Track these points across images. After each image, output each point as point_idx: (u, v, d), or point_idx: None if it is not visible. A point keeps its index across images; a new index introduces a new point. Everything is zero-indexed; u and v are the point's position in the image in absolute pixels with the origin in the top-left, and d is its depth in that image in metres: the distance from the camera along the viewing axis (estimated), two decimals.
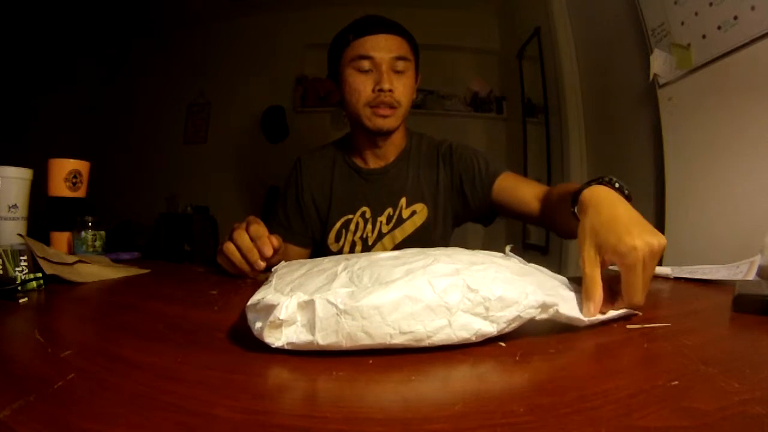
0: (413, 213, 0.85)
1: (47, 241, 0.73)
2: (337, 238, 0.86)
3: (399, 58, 0.79)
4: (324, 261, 0.42)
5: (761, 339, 0.35)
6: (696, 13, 1.06)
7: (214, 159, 2.78)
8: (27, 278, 0.47)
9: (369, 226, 0.85)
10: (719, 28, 0.99)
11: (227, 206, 2.65)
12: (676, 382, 0.24)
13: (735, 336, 0.37)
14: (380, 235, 0.85)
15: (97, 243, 0.72)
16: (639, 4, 1.26)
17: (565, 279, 0.42)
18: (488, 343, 0.31)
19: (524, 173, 2.25)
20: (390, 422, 0.20)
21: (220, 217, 2.49)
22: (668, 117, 1.20)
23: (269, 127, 2.74)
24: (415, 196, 0.86)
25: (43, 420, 0.19)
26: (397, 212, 0.85)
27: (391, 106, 0.80)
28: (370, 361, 0.28)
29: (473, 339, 0.30)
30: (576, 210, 0.48)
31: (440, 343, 0.30)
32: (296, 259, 0.80)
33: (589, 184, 0.48)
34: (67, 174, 0.74)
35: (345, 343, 0.29)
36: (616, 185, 0.48)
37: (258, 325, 0.30)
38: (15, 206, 0.68)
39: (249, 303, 0.32)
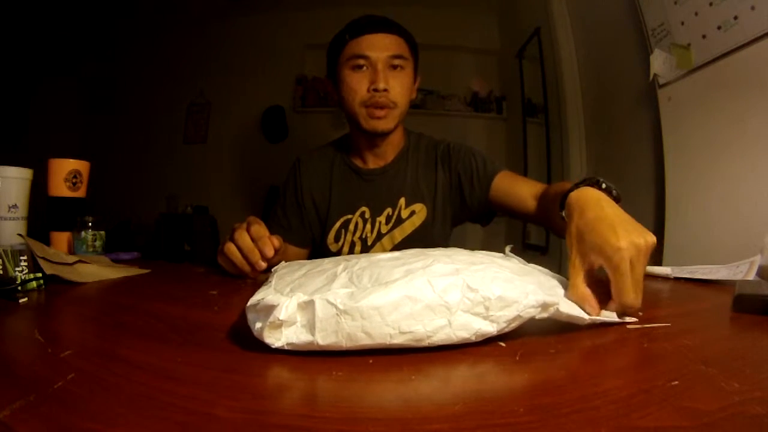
0: (412, 213, 0.85)
1: (47, 241, 0.73)
2: (337, 239, 0.87)
3: (395, 57, 0.79)
4: (324, 262, 0.42)
5: (761, 339, 0.35)
6: (696, 13, 1.06)
7: (214, 159, 2.78)
8: (27, 278, 0.47)
9: (368, 226, 0.86)
10: (719, 28, 0.99)
11: (227, 206, 2.65)
12: (676, 382, 0.24)
13: (735, 336, 0.37)
14: (379, 236, 0.85)
15: (97, 243, 0.72)
16: (639, 4, 1.26)
17: (564, 279, 0.42)
18: (488, 343, 0.31)
19: (524, 173, 2.25)
20: (390, 422, 0.20)
21: (220, 217, 2.49)
22: (668, 117, 1.20)
23: (269, 127, 2.74)
24: (414, 196, 0.86)
25: (43, 420, 0.19)
26: (396, 212, 0.85)
27: (386, 107, 0.79)
28: (370, 361, 0.28)
29: (473, 339, 0.30)
30: (564, 213, 0.47)
31: (440, 343, 0.30)
32: (295, 259, 0.79)
33: (577, 185, 0.48)
34: (67, 174, 0.74)
35: (345, 344, 0.29)
36: (603, 186, 0.47)
37: (258, 325, 0.30)
38: (15, 206, 0.68)
39: (249, 303, 0.32)
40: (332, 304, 0.29)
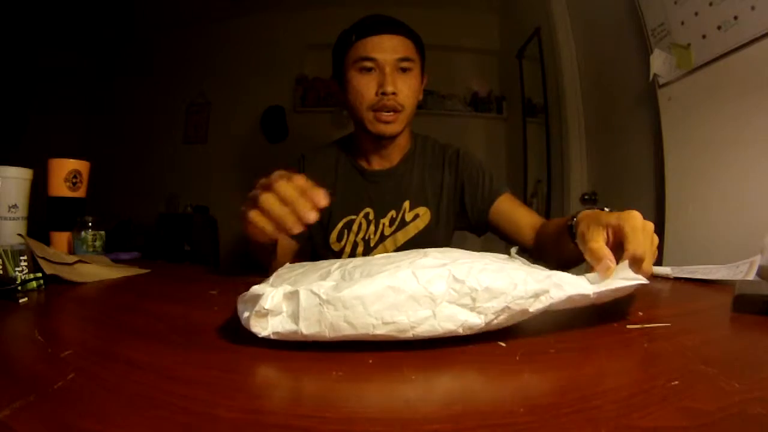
0: (416, 216, 0.85)
1: (47, 241, 0.73)
2: (339, 238, 0.86)
3: (403, 59, 0.78)
4: (323, 262, 0.42)
5: (761, 339, 0.35)
6: (696, 13, 1.06)
7: (214, 159, 2.78)
8: (27, 278, 0.47)
9: (371, 228, 0.85)
10: (719, 28, 0.99)
11: (227, 206, 2.65)
12: (676, 382, 0.24)
13: (735, 336, 0.37)
14: (382, 237, 0.85)
15: (97, 243, 0.72)
16: (639, 4, 1.26)
17: (566, 274, 0.42)
18: (488, 343, 0.31)
19: (524, 173, 2.25)
20: (390, 422, 0.20)
21: (220, 217, 2.49)
22: (668, 117, 1.20)
23: (269, 127, 2.74)
24: (419, 199, 0.86)
25: (43, 420, 0.19)
26: (400, 215, 0.85)
27: (395, 110, 0.78)
28: (370, 361, 0.28)
29: (460, 331, 0.29)
30: (574, 229, 0.50)
31: (425, 335, 0.29)
32: (288, 251, 0.79)
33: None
34: (67, 174, 0.74)
35: (328, 333, 0.29)
36: (606, 209, 0.50)
37: (246, 314, 0.31)
38: (15, 206, 0.68)
39: (240, 295, 0.32)
40: (316, 294, 0.29)
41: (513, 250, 0.47)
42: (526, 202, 2.23)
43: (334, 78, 0.87)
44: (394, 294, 0.29)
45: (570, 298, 0.32)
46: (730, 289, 0.48)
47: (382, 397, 0.23)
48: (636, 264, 0.38)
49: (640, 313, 0.40)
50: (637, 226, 0.40)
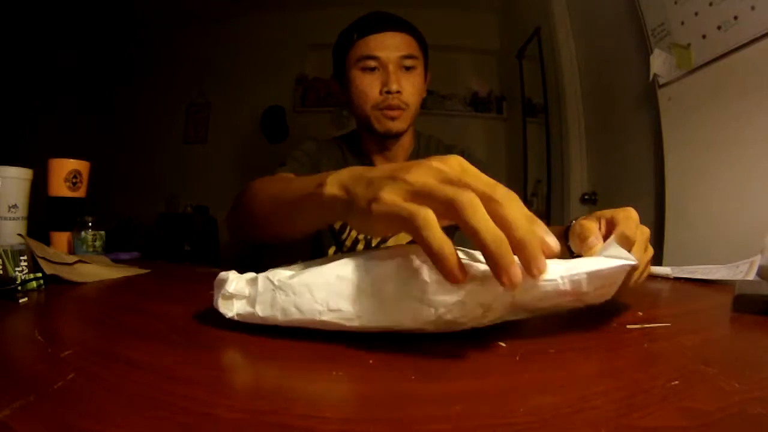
0: None
1: (47, 241, 0.73)
2: (340, 232, 0.85)
3: (407, 57, 0.77)
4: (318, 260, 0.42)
5: (761, 339, 0.35)
6: (696, 13, 1.06)
7: (214, 159, 2.78)
8: (27, 278, 0.47)
9: None
10: (719, 28, 0.99)
11: (227, 206, 2.65)
12: (676, 382, 0.24)
13: (735, 336, 0.37)
14: (384, 237, 0.85)
15: (97, 243, 0.72)
16: (639, 4, 1.26)
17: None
18: (488, 343, 0.31)
19: (524, 173, 2.26)
20: (390, 422, 0.20)
21: (220, 217, 2.49)
22: (668, 117, 1.20)
23: (269, 127, 2.74)
24: None
25: (43, 420, 0.19)
26: None
27: (399, 108, 0.77)
28: (371, 361, 0.28)
29: (410, 324, 0.29)
30: (569, 239, 0.49)
31: (371, 325, 0.29)
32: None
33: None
34: (67, 174, 0.74)
35: (280, 317, 0.31)
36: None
37: (216, 298, 0.34)
38: (15, 206, 0.68)
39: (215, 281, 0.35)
40: (270, 280, 0.31)
41: None
42: (526, 202, 2.22)
43: (335, 78, 0.86)
44: (341, 283, 0.30)
45: (541, 289, 0.28)
46: (730, 289, 0.48)
47: (382, 397, 0.23)
48: (624, 244, 0.36)
49: (640, 313, 0.40)
50: (631, 217, 0.39)
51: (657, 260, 1.22)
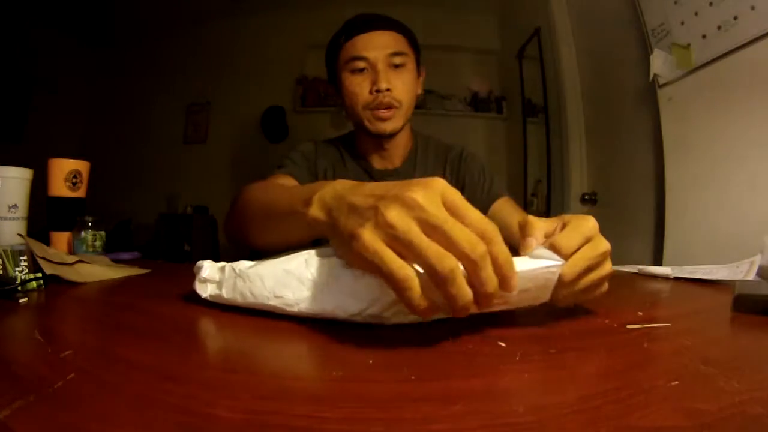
0: None
1: (47, 241, 0.73)
2: None
3: (395, 54, 0.77)
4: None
5: (761, 339, 0.35)
6: (696, 13, 1.06)
7: (214, 159, 2.79)
8: (27, 278, 0.46)
9: None
10: (719, 28, 0.99)
11: (227, 206, 2.65)
12: (676, 382, 0.24)
13: (735, 336, 0.37)
14: None
15: (97, 243, 0.72)
16: (639, 4, 1.26)
17: None
18: (488, 343, 0.31)
19: (524, 173, 2.26)
20: (390, 422, 0.20)
21: (220, 217, 2.48)
22: (668, 117, 1.20)
23: (269, 127, 2.74)
24: None
25: (43, 420, 0.19)
26: None
27: (392, 106, 0.77)
28: (370, 361, 0.28)
29: (338, 314, 0.33)
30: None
31: (307, 312, 0.34)
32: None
33: None
34: (67, 174, 0.74)
35: (239, 299, 0.37)
36: None
37: (195, 282, 0.41)
38: (15, 206, 0.68)
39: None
40: (234, 269, 0.38)
41: None
42: (526, 202, 2.23)
43: (330, 83, 0.86)
44: (285, 275, 0.35)
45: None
46: (730, 289, 0.48)
47: (382, 397, 0.23)
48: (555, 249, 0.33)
49: (640, 313, 0.40)
50: (581, 228, 0.34)
51: (657, 260, 1.22)
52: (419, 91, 0.84)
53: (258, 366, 0.28)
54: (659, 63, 1.18)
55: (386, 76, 0.76)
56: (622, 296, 0.40)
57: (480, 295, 0.28)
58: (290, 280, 0.35)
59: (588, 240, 0.34)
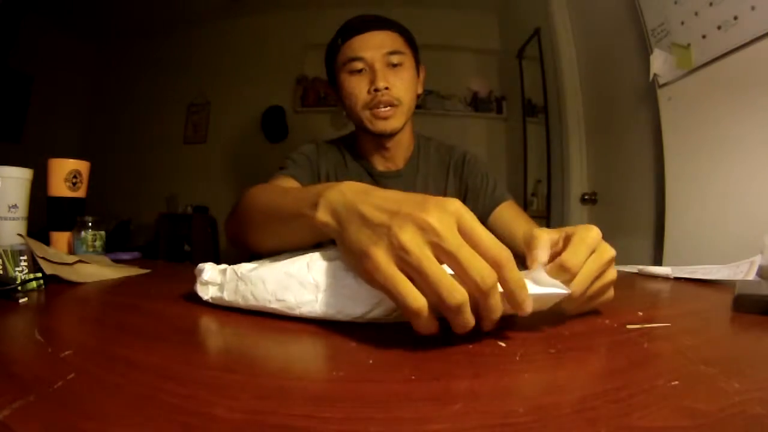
0: None
1: (47, 241, 0.73)
2: None
3: (392, 53, 0.76)
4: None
5: (761, 339, 0.35)
6: (696, 13, 1.06)
7: (214, 159, 2.79)
8: (27, 278, 0.46)
9: None
10: (719, 28, 0.99)
11: (227, 206, 2.66)
12: (676, 382, 0.24)
13: (735, 336, 0.37)
14: None
15: (97, 243, 0.72)
16: (639, 4, 1.26)
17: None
18: (488, 343, 0.31)
19: (524, 173, 2.26)
20: (390, 422, 0.20)
21: (220, 217, 2.49)
22: (668, 117, 1.20)
23: (269, 127, 2.74)
24: None
25: (43, 420, 0.19)
26: None
27: (391, 105, 0.77)
28: (370, 361, 0.28)
29: (339, 317, 0.33)
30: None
31: (308, 315, 0.34)
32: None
33: None
34: (67, 174, 0.74)
35: (241, 302, 0.37)
36: None
37: (196, 284, 0.40)
38: (15, 206, 0.67)
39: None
40: (235, 272, 0.38)
41: None
42: (526, 202, 2.23)
43: (330, 85, 0.86)
44: (287, 278, 0.35)
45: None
46: (730, 289, 0.48)
47: (382, 397, 0.23)
48: (562, 275, 0.33)
49: (640, 313, 0.40)
50: (587, 240, 0.34)
51: (657, 260, 1.22)
52: (419, 91, 0.84)
53: (258, 366, 0.28)
54: (659, 63, 1.18)
55: (384, 75, 0.76)
56: (622, 296, 0.40)
57: (484, 319, 0.29)
58: (292, 283, 0.35)
59: (593, 251, 0.35)
